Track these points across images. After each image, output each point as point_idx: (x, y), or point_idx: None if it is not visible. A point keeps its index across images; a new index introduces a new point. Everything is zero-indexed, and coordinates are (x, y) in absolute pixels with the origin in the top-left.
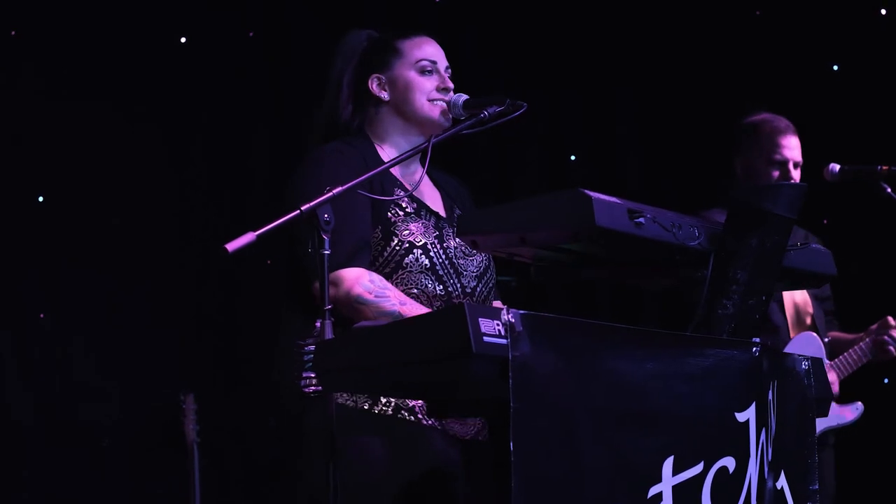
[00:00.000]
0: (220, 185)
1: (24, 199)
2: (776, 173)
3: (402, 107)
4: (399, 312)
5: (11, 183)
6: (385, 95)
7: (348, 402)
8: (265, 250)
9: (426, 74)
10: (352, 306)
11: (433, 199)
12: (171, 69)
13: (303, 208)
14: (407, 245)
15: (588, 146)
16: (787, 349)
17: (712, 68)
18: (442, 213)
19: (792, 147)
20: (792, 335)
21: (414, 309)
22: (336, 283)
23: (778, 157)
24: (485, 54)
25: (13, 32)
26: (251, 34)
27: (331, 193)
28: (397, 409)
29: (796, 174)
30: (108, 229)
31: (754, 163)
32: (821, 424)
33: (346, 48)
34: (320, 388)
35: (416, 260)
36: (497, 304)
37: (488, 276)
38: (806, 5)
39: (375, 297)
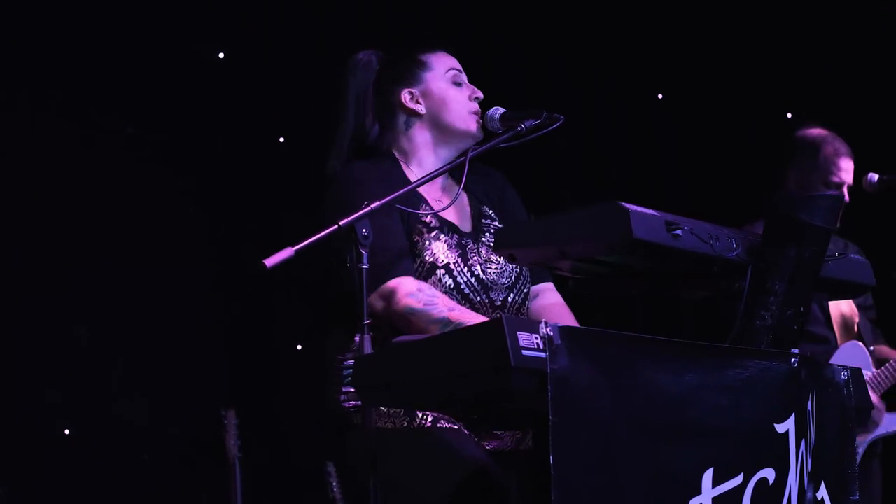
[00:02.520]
0: (262, 200)
1: (64, 213)
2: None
3: (438, 119)
4: (448, 318)
5: (50, 194)
6: (420, 108)
7: (387, 424)
8: (305, 265)
9: (458, 85)
10: (403, 318)
11: (457, 212)
12: (202, 84)
13: (341, 223)
14: (429, 266)
15: (616, 157)
16: (833, 359)
17: (749, 78)
18: (466, 226)
19: (849, 171)
20: (839, 345)
21: (462, 314)
22: (385, 297)
23: (836, 178)
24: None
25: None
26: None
27: (369, 208)
28: (436, 420)
29: (846, 198)
30: (148, 245)
31: (810, 179)
32: (870, 434)
33: (358, 68)
34: (359, 402)
35: (440, 280)
36: (547, 287)
37: (521, 283)
38: (847, 14)
39: (424, 305)
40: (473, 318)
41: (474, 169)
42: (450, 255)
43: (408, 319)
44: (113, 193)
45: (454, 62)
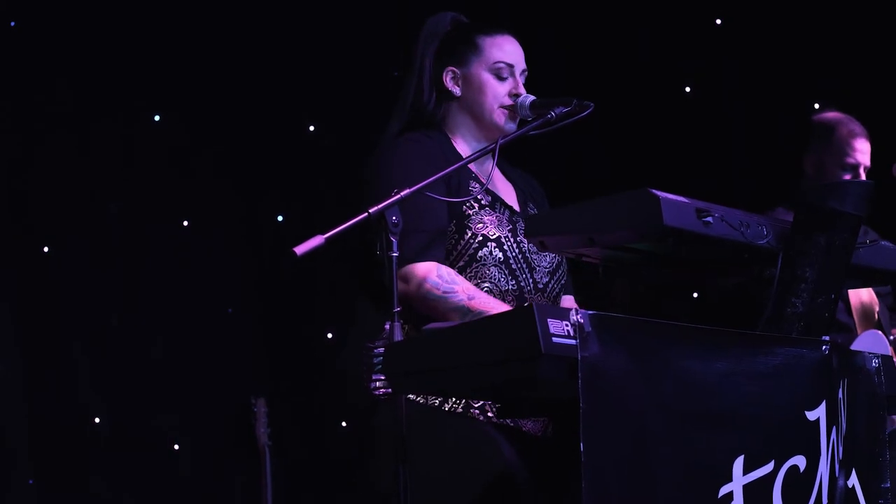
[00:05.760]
0: (289, 189)
1: (93, 207)
2: (847, 177)
3: (471, 106)
4: (466, 307)
5: (84, 191)
6: (457, 91)
7: (419, 398)
8: (336, 252)
9: (500, 79)
10: (422, 302)
11: (507, 193)
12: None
13: (370, 211)
14: (481, 238)
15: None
16: (853, 347)
17: (777, 66)
18: (516, 207)
19: (864, 152)
20: (859, 333)
21: (482, 303)
22: (406, 279)
23: (850, 160)
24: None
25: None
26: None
27: (398, 196)
28: (467, 406)
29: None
30: (178, 235)
31: (825, 164)
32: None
33: (428, 31)
34: (390, 390)
35: (490, 253)
36: (568, 299)
37: (560, 272)
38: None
39: (443, 292)
40: (494, 305)
41: (514, 166)
42: (501, 229)
43: (427, 305)
44: (147, 180)
45: (509, 53)
